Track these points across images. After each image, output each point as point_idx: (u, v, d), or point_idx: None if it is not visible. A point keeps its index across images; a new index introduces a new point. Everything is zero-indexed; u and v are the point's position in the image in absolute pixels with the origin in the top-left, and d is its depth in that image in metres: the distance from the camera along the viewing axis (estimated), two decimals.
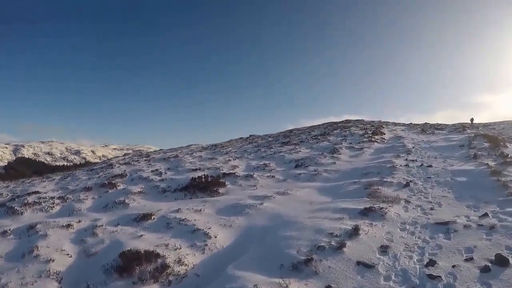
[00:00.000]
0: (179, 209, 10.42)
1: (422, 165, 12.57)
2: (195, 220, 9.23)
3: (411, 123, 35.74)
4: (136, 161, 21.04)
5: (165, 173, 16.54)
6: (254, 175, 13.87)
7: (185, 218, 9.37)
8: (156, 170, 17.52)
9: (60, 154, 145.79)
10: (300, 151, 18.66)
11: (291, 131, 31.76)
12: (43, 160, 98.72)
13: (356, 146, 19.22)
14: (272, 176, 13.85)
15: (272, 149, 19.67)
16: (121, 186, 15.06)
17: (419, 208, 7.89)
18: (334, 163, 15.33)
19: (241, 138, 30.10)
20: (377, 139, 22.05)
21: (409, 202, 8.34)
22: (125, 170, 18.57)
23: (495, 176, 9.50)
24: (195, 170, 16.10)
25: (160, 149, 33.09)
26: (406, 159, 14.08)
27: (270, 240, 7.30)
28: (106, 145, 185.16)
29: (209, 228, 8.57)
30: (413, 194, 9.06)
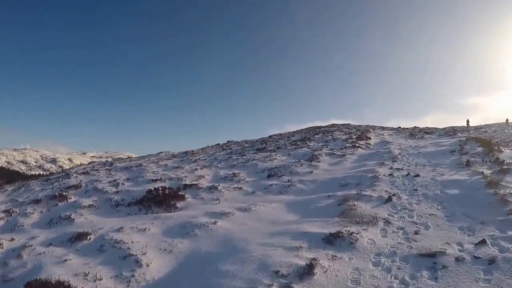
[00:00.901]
0: (121, 227, 8.81)
1: (408, 174, 10.97)
2: (132, 242, 7.74)
3: (399, 127, 34.47)
4: (96, 170, 19.14)
5: (123, 184, 14.70)
6: (219, 187, 12.13)
7: (122, 240, 7.86)
8: (114, 180, 15.67)
9: (35, 162, 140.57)
10: (275, 159, 16.98)
11: (270, 136, 30.10)
12: (17, 169, 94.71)
13: (338, 153, 17.62)
14: (240, 188, 12.13)
15: (245, 157, 17.95)
16: (72, 199, 13.37)
17: (400, 231, 6.23)
18: (311, 172, 13.66)
19: (217, 144, 28.32)
20: (362, 144, 20.52)
21: (390, 223, 6.67)
22: (81, 181, 16.69)
23: (492, 188, 7.90)
24: (156, 180, 14.30)
25: (128, 157, 31.15)
26: (391, 168, 12.48)
27: (207, 275, 5.61)
28: (84, 153, 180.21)
29: (144, 254, 7.07)
30: (395, 211, 7.41)
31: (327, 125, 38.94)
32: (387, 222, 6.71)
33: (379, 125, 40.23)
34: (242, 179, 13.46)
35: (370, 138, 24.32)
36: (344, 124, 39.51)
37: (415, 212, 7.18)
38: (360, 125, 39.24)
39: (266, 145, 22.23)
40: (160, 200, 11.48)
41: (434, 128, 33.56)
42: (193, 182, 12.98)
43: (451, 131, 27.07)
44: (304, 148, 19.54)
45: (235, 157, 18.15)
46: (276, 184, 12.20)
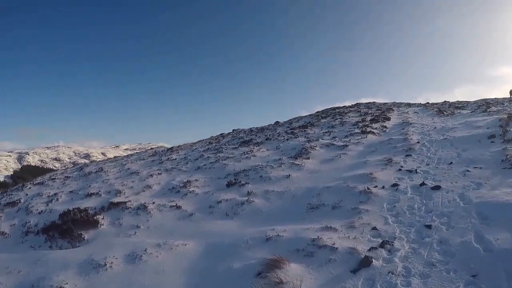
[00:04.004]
0: None
1: (423, 184, 6.95)
2: None
3: (427, 103, 29.45)
4: (52, 179, 16.30)
5: (57, 199, 11.62)
6: (150, 207, 8.71)
7: None
8: (56, 194, 12.63)
9: (69, 159, 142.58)
10: (255, 155, 13.24)
11: (277, 122, 26.11)
12: (51, 167, 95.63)
13: (339, 143, 13.59)
14: (177, 207, 8.64)
15: (220, 154, 14.34)
16: None
17: None
18: (289, 176, 9.88)
19: (220, 134, 24.85)
20: (375, 128, 16.27)
21: None
22: (27, 194, 13.83)
23: None
24: (91, 195, 11.14)
25: (115, 157, 28.39)
26: (400, 169, 8.46)
27: None
28: (117, 146, 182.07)
29: None
30: None
31: (350, 105, 34.37)
32: None
33: (406, 102, 35.20)
34: (193, 190, 9.95)
35: (389, 119, 19.88)
36: (368, 103, 34.83)
37: None
38: (385, 103, 34.46)
39: (255, 136, 18.41)
40: (66, 229, 8.25)
41: (466, 102, 28.20)
42: (122, 200, 9.61)
43: (484, 105, 21.98)
44: (299, 138, 15.60)
45: (207, 156, 14.58)
46: (229, 199, 8.56)
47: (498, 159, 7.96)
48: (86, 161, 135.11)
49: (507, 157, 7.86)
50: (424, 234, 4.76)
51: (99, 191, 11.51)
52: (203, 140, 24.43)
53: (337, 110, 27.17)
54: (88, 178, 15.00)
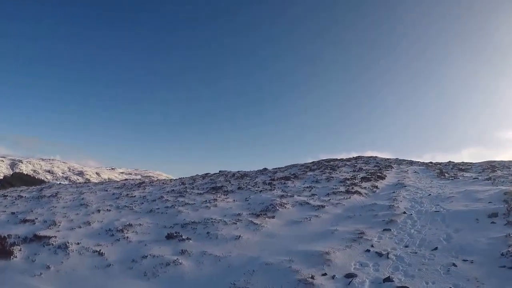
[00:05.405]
0: None
1: (388, 279, 5.05)
2: None
3: (430, 163, 27.60)
4: (4, 197, 14.85)
5: None
6: (71, 248, 8.17)
7: None
8: None
9: (62, 173, 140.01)
10: (217, 206, 11.53)
11: (265, 169, 24.42)
12: (43, 178, 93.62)
13: (316, 203, 11.75)
14: (100, 254, 7.67)
15: (181, 198, 12.72)
16: None
17: None
18: (239, 238, 8.09)
19: (200, 175, 23.17)
20: (364, 188, 14.43)
21: None
22: None
23: None
24: (26, 221, 10.64)
25: (100, 181, 26.75)
26: (369, 250, 6.57)
27: None
28: (112, 168, 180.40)
29: None
30: None
31: (349, 157, 32.68)
32: None
33: (409, 160, 33.37)
34: (127, 237, 8.44)
35: (383, 178, 18.05)
36: (369, 157, 33.11)
37: None
38: (387, 159, 32.66)
39: (230, 182, 16.65)
40: None
41: (470, 163, 26.28)
42: (48, 234, 8.53)
43: (489, 168, 20.11)
44: (274, 191, 13.77)
45: (167, 198, 12.90)
46: (157, 256, 6.88)
47: (497, 251, 6.01)
48: (79, 178, 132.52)
49: (510, 249, 5.92)
50: None
51: (37, 218, 10.46)
52: (183, 178, 22.79)
53: (331, 163, 25.42)
54: (39, 202, 13.57)
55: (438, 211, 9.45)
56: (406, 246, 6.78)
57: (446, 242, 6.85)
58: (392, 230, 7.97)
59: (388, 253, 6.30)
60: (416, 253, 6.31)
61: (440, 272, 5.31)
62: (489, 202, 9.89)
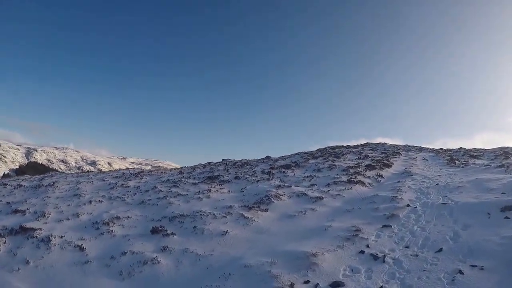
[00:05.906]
0: None
1: None
2: None
3: (440, 149, 26.41)
4: (3, 185, 14.49)
5: None
6: (53, 241, 8.05)
7: None
8: None
9: (75, 163, 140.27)
10: (209, 197, 10.91)
11: (268, 157, 23.64)
12: (56, 168, 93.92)
13: (314, 194, 11.00)
14: (82, 249, 7.51)
15: (174, 189, 12.15)
16: None
17: None
18: (226, 233, 7.47)
19: (202, 164, 22.56)
20: (368, 177, 13.60)
21: None
22: None
23: None
24: (17, 212, 10.47)
25: (107, 170, 26.40)
26: (363, 251, 5.81)
27: None
28: (124, 158, 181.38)
29: None
30: None
31: (355, 144, 31.59)
32: None
33: (418, 146, 32.13)
34: (112, 230, 8.08)
35: (390, 166, 17.11)
36: (377, 144, 31.97)
37: None
38: (396, 145, 31.44)
39: (228, 171, 15.96)
40: None
41: (482, 149, 24.98)
42: (34, 226, 7.86)
43: (502, 154, 18.95)
44: (272, 181, 13.04)
45: (160, 188, 12.35)
46: (136, 252, 6.47)
47: (511, 253, 5.20)
48: (92, 168, 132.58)
49: None
50: None
51: (28, 209, 10.18)
52: (184, 167, 22.23)
53: (336, 150, 24.47)
54: (36, 191, 13.17)
55: (445, 204, 8.59)
56: (407, 247, 6.01)
57: (453, 242, 6.04)
58: (392, 227, 7.19)
59: (384, 256, 5.54)
60: (417, 255, 5.53)
61: (443, 281, 4.54)
62: (502, 193, 8.98)
